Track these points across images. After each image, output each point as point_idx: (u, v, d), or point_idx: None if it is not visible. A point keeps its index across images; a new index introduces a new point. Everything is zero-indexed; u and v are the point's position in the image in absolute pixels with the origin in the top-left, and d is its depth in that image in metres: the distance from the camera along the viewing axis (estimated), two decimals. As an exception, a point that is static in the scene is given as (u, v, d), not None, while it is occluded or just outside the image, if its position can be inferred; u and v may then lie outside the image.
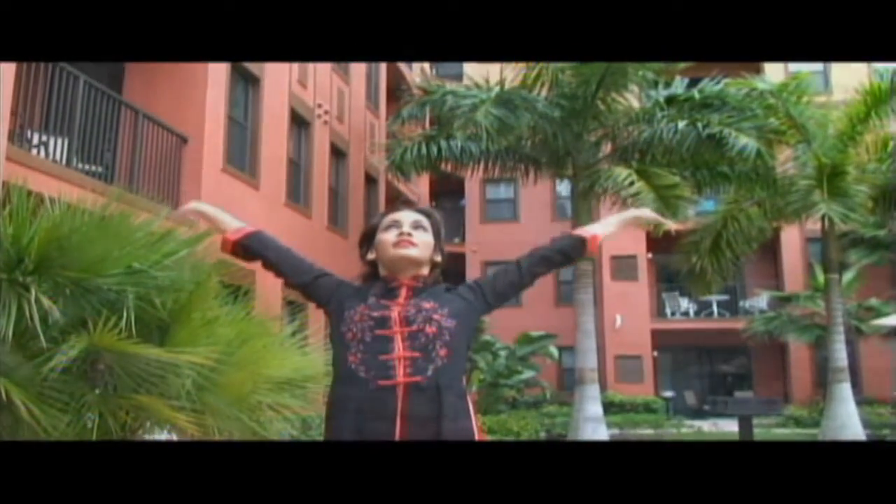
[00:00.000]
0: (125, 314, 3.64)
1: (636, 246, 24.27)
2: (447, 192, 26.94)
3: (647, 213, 3.06)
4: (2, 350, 3.48)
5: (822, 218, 14.65)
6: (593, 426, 14.48)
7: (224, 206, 10.43)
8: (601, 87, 14.24)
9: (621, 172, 14.03)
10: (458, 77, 22.59)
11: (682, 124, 14.25)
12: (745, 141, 13.66)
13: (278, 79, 14.71)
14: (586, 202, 15.58)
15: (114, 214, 4.08)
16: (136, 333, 3.66)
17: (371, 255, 2.68)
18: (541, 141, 15.61)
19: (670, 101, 15.15)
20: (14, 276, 3.60)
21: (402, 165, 15.75)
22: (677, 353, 26.21)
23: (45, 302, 3.50)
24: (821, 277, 17.71)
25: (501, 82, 14.73)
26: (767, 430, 17.00)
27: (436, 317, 2.45)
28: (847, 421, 14.51)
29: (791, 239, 23.92)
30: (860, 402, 16.01)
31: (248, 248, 2.82)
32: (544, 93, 14.97)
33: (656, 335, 24.64)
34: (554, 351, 20.86)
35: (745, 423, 15.43)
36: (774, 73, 21.26)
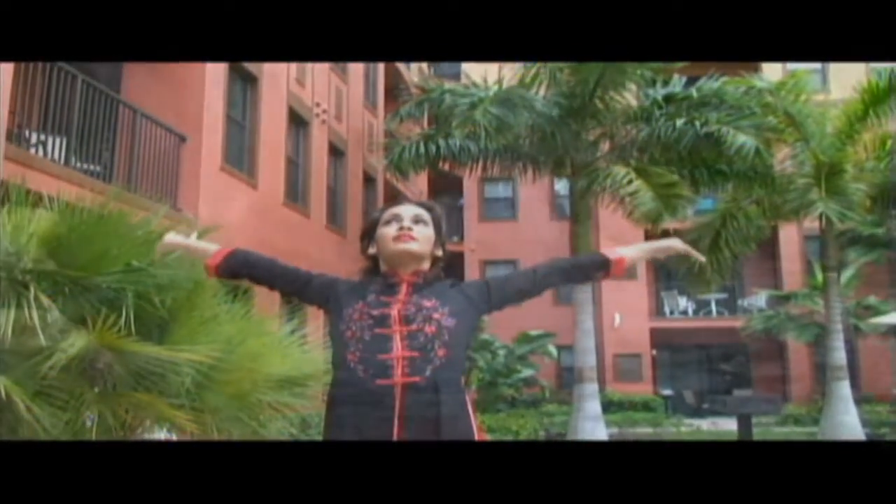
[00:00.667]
0: (124, 312, 3.64)
1: (634, 245, 24.27)
2: (445, 191, 26.94)
3: (678, 244, 2.93)
4: (1, 348, 3.47)
5: (820, 216, 14.65)
6: (592, 425, 14.47)
7: (222, 204, 10.38)
8: (599, 86, 14.23)
9: (620, 171, 14.02)
10: (456, 76, 22.56)
11: (680, 122, 14.24)
12: (744, 139, 13.65)
13: (276, 78, 14.70)
14: (585, 201, 15.57)
15: (112, 213, 4.07)
16: (136, 331, 3.65)
17: (372, 250, 2.65)
18: (539, 139, 15.59)
19: (668, 99, 15.15)
20: (13, 275, 3.59)
21: (401, 164, 15.73)
22: (676, 352, 26.23)
23: (44, 300, 3.50)
24: (819, 276, 17.72)
25: (500, 81, 14.73)
26: (766, 428, 17.00)
27: (435, 316, 2.43)
28: (846, 419, 14.51)
29: (789, 237, 23.93)
30: (859, 401, 16.01)
31: (231, 269, 2.79)
32: (542, 91, 14.97)
33: (655, 334, 24.65)
34: (553, 350, 20.86)
35: (744, 422, 15.42)
36: (772, 71, 21.27)
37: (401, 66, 22.83)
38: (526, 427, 15.79)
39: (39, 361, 3.49)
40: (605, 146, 16.11)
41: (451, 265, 2.74)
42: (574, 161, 15.60)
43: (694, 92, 15.03)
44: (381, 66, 21.71)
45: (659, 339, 24.76)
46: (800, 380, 23.84)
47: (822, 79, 23.83)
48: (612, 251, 2.82)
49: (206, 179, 11.98)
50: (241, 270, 2.78)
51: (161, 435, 3.92)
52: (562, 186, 25.53)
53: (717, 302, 24.99)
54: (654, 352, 24.83)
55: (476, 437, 2.44)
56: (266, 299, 4.61)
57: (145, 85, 11.65)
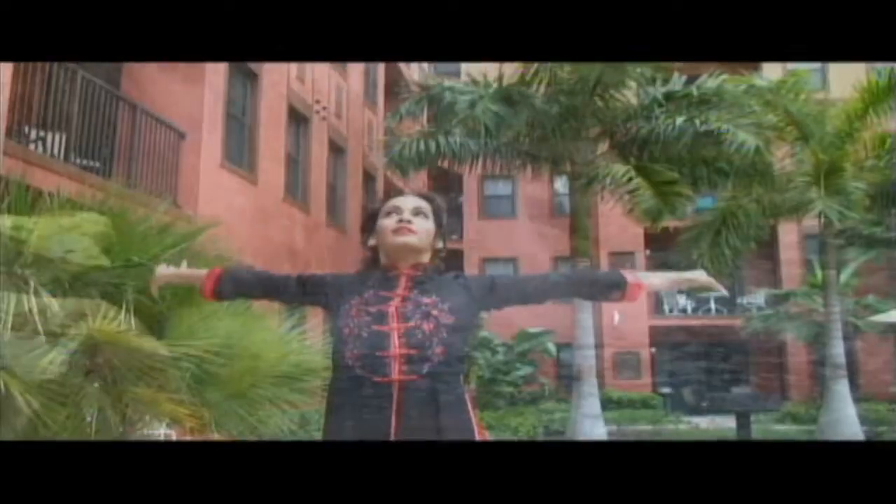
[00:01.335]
0: (124, 307, 3.64)
1: (634, 243, 24.27)
2: (445, 189, 26.91)
3: (702, 277, 2.79)
4: (1, 342, 3.48)
5: (820, 215, 14.65)
6: (591, 422, 14.50)
7: (222, 201, 10.38)
8: (599, 84, 14.24)
9: (620, 169, 14.03)
10: (456, 73, 22.55)
11: (680, 120, 14.24)
12: (744, 137, 13.65)
13: (276, 75, 14.70)
14: (584, 199, 15.58)
15: (112, 209, 4.08)
16: (135, 326, 3.66)
17: (372, 241, 2.63)
18: (539, 137, 15.60)
19: (668, 97, 15.14)
20: (13, 269, 3.60)
21: (401, 162, 15.73)
22: (675, 350, 26.22)
23: (44, 295, 3.50)
24: (818, 274, 17.73)
25: (499, 78, 14.73)
26: (765, 426, 17.01)
27: (434, 313, 2.41)
28: (844, 417, 14.54)
29: (789, 236, 23.93)
30: (858, 399, 16.03)
31: (225, 292, 2.82)
32: (542, 89, 14.97)
33: (654, 332, 24.65)
34: (552, 347, 20.87)
35: (743, 420, 15.46)
36: (772, 69, 21.25)
37: (401, 63, 22.82)
38: (525, 424, 15.81)
39: (39, 356, 3.49)
40: (604, 144, 16.12)
41: (450, 263, 2.72)
42: (574, 159, 15.61)
43: (694, 90, 15.03)
44: (381, 64, 21.69)
45: (658, 337, 24.76)
46: (799, 378, 23.84)
47: (822, 77, 23.81)
48: (633, 274, 2.70)
49: (206, 175, 11.98)
50: (236, 290, 2.82)
51: (161, 430, 3.93)
52: (561, 184, 25.52)
53: (717, 300, 24.98)
54: (654, 350, 24.82)
55: (476, 434, 2.42)
56: None
57: (145, 81, 11.64)
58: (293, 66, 15.49)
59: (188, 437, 3.93)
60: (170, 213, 4.10)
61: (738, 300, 25.24)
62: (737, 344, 24.85)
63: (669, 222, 14.89)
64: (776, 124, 15.15)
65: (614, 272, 2.73)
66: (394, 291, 2.48)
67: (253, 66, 13.70)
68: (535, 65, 14.48)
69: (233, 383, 4.01)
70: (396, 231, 2.53)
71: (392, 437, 2.29)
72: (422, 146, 15.49)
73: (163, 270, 2.94)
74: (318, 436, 2.56)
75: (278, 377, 4.25)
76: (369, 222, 2.67)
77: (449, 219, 2.70)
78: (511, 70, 14.90)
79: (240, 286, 2.81)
